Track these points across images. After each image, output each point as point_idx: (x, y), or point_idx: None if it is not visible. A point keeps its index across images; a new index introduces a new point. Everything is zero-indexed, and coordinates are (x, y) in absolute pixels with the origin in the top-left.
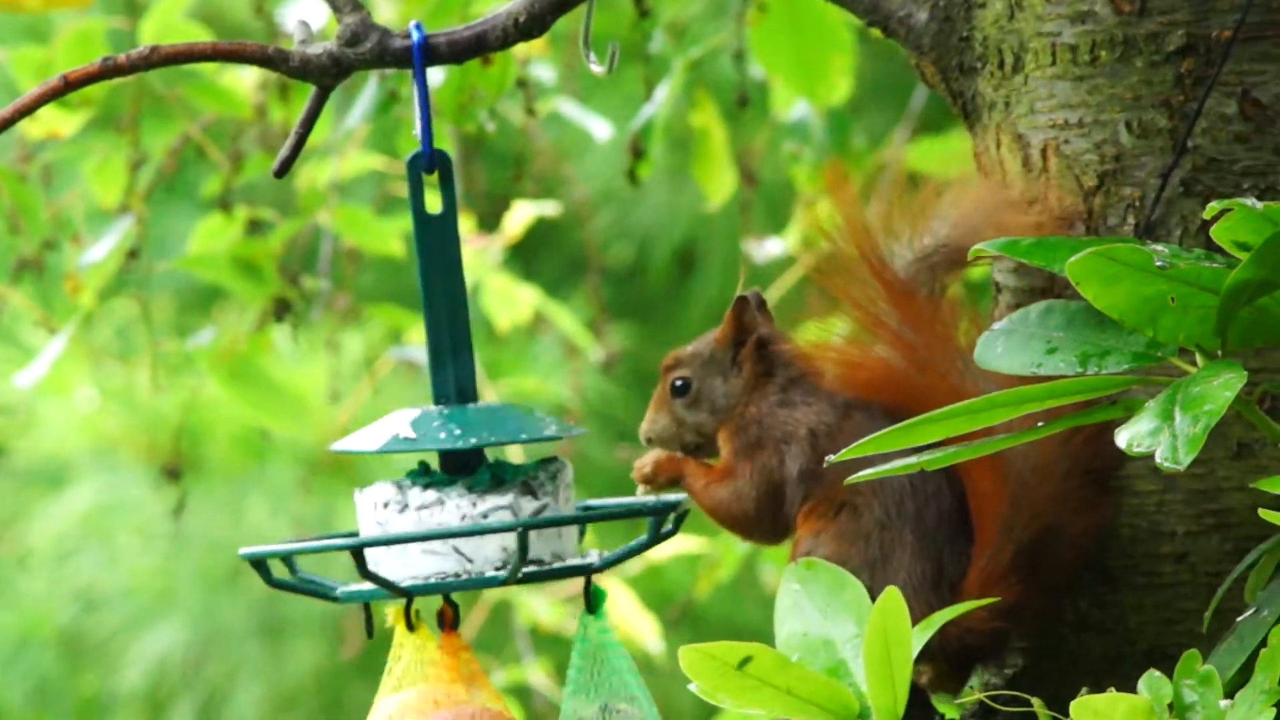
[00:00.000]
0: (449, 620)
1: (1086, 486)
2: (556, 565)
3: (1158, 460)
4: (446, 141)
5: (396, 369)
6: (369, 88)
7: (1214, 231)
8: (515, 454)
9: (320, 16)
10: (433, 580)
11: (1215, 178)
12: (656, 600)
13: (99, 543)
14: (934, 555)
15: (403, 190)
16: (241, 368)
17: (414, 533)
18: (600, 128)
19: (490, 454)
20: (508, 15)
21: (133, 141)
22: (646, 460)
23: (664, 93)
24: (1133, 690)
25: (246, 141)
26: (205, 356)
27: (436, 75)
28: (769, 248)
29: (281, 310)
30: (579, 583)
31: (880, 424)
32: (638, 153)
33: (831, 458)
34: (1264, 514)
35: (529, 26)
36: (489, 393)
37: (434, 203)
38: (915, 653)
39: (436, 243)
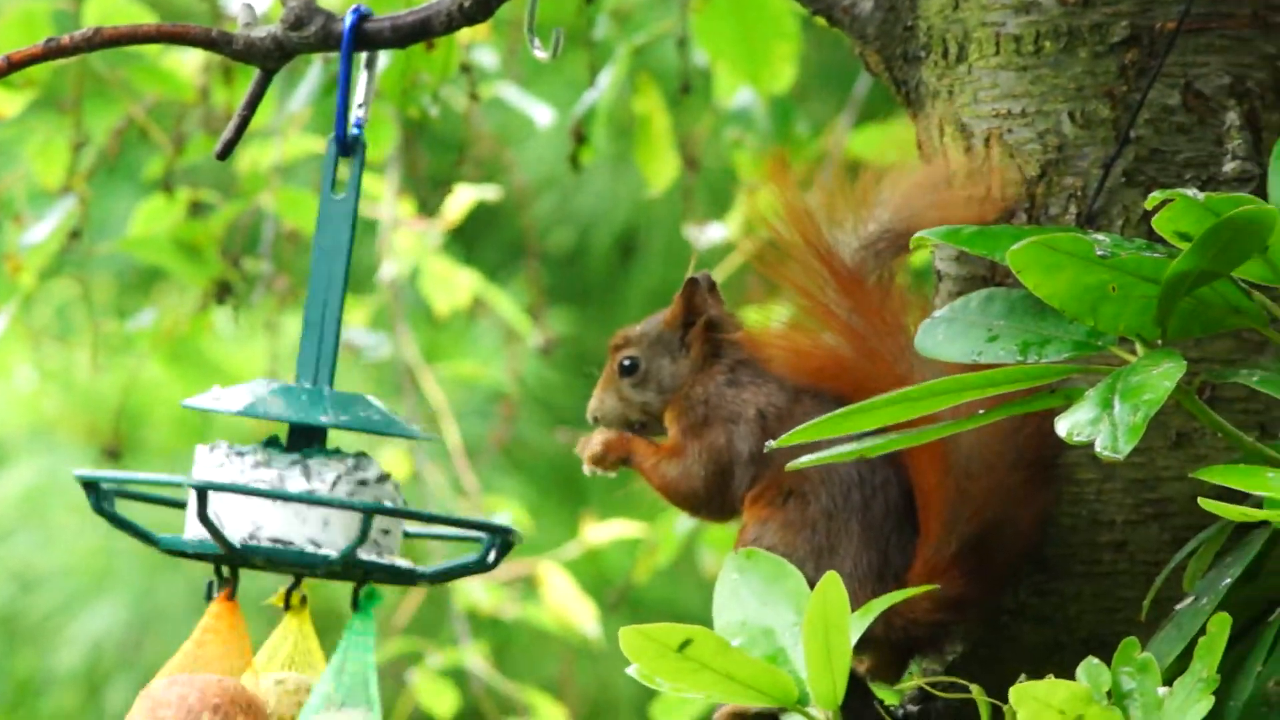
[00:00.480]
0: (229, 590)
1: (1031, 479)
2: (388, 561)
3: (1097, 449)
4: (389, 125)
5: None
6: (313, 71)
7: (1155, 222)
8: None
9: (264, 0)
10: (265, 545)
11: (1157, 168)
12: (595, 584)
13: (36, 523)
14: (880, 546)
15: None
16: (182, 349)
17: (258, 487)
18: (542, 113)
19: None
20: (452, 0)
21: (75, 123)
22: (595, 440)
23: (608, 79)
24: (1071, 678)
25: (189, 124)
26: (146, 338)
27: (381, 59)
28: (711, 233)
29: (223, 293)
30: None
31: (830, 410)
32: (580, 138)
33: (772, 443)
34: (1203, 503)
35: (473, 12)
36: (427, 376)
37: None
38: (855, 639)
39: (333, 223)
